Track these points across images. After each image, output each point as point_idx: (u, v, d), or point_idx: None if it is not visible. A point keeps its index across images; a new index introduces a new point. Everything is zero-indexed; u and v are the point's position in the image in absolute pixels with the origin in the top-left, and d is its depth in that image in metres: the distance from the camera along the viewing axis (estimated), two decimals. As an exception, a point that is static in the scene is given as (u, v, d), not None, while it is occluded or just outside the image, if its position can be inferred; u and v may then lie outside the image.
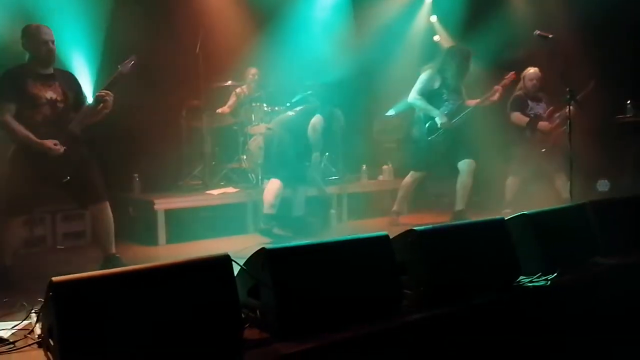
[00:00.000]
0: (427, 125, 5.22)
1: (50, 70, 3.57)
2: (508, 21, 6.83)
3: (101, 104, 3.52)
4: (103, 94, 3.51)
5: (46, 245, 4.87)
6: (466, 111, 5.25)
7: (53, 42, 3.51)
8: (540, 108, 5.70)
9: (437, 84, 5.19)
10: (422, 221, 5.47)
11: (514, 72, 5.44)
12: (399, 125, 7.04)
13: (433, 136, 5.20)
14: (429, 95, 5.20)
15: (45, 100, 3.46)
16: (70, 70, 4.15)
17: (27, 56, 3.53)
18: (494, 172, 6.15)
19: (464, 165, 5.24)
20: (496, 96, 5.24)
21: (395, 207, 5.58)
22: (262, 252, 2.11)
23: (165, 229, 4.99)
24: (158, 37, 5.69)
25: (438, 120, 5.15)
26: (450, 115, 5.18)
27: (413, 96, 5.25)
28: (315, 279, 2.16)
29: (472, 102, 5.35)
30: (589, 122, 5.55)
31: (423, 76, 5.25)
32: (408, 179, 5.53)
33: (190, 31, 5.94)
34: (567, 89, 4.41)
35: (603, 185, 6.33)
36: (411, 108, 5.53)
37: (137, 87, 4.63)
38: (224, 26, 6.33)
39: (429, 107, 5.18)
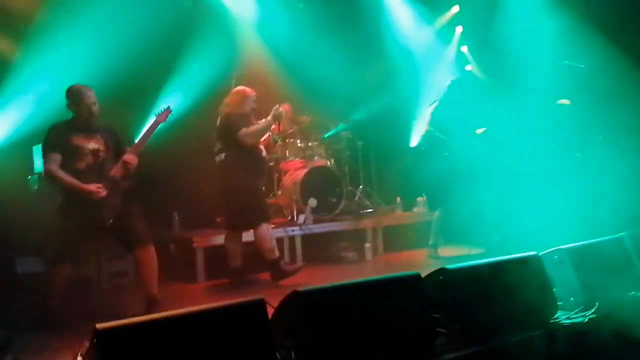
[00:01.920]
0: (446, 154, 5.26)
1: (93, 125, 3.81)
2: (539, 51, 6.81)
3: (127, 167, 3.76)
4: (128, 159, 3.76)
5: (92, 286, 5.03)
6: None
7: (95, 103, 3.75)
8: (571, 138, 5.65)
9: (444, 115, 5.31)
10: (460, 253, 5.45)
11: None
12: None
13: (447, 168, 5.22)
14: (440, 126, 5.31)
15: (88, 150, 3.70)
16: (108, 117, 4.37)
17: (71, 115, 3.78)
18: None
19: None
20: None
21: (431, 240, 5.57)
22: (295, 294, 2.17)
23: (204, 266, 5.09)
24: (193, 77, 5.92)
25: (456, 146, 5.22)
26: (463, 142, 5.25)
27: (425, 129, 5.40)
28: (348, 319, 2.20)
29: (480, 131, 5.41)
30: (627, 149, 5.44)
31: (430, 109, 5.43)
32: (437, 213, 5.60)
33: (224, 71, 6.15)
34: (599, 119, 4.38)
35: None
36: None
37: (175, 128, 4.84)
38: (257, 65, 6.52)
39: (443, 137, 5.27)
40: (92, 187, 3.59)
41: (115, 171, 3.74)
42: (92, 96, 3.74)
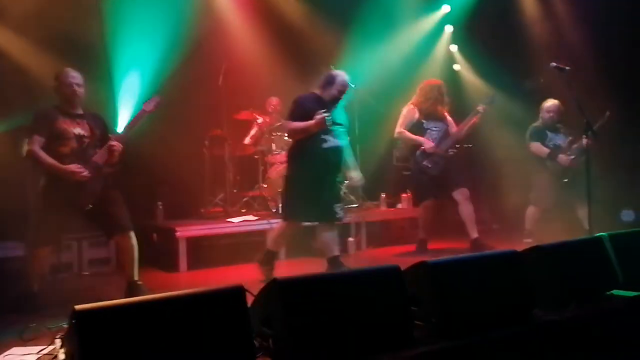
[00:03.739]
0: (417, 154, 5.37)
1: (80, 111, 3.82)
2: (526, 50, 6.89)
3: (112, 153, 3.74)
4: (113, 144, 3.72)
5: (72, 271, 5.01)
6: (453, 137, 5.39)
7: (79, 84, 3.76)
8: (559, 139, 5.64)
9: (416, 116, 5.41)
10: (449, 247, 5.61)
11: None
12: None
13: (425, 163, 5.32)
14: (412, 127, 5.40)
15: (73, 135, 3.70)
16: (95, 103, 4.35)
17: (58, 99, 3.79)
18: (514, 201, 6.14)
19: (458, 195, 5.36)
20: (476, 118, 5.33)
21: (421, 235, 5.68)
22: (274, 283, 2.17)
23: (186, 256, 5.08)
24: (182, 70, 5.88)
25: (425, 146, 5.30)
26: (437, 142, 5.33)
27: (397, 130, 5.49)
28: (326, 310, 2.21)
29: (455, 129, 5.46)
30: (612, 152, 5.52)
31: (403, 111, 5.50)
32: (420, 209, 5.73)
33: (214, 64, 6.13)
34: (585, 120, 4.43)
35: (627, 216, 6.24)
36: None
37: (162, 118, 4.80)
38: (246, 58, 6.50)
39: (413, 137, 5.38)
40: (73, 167, 3.60)
41: (99, 157, 3.72)
42: (76, 77, 3.75)
